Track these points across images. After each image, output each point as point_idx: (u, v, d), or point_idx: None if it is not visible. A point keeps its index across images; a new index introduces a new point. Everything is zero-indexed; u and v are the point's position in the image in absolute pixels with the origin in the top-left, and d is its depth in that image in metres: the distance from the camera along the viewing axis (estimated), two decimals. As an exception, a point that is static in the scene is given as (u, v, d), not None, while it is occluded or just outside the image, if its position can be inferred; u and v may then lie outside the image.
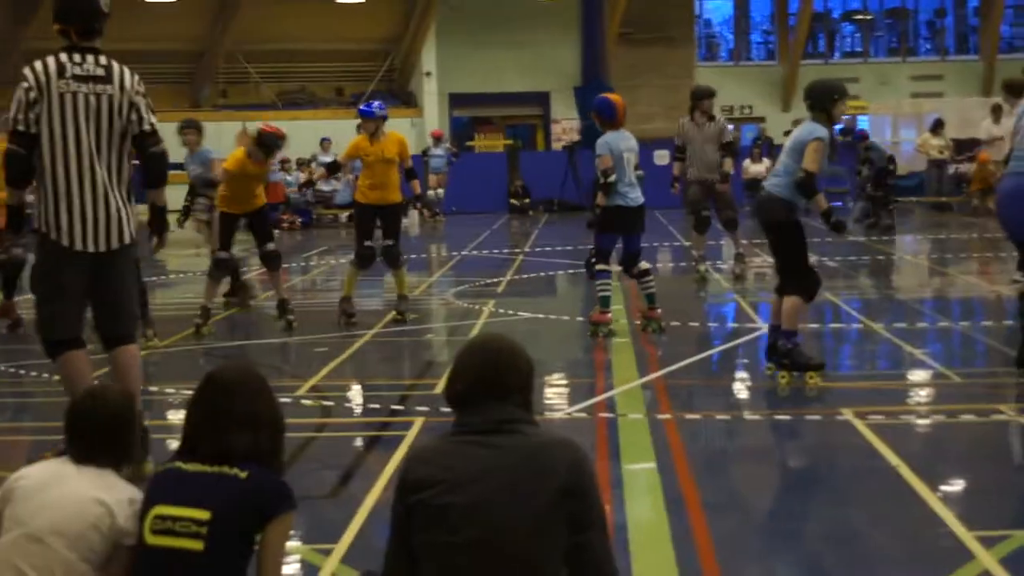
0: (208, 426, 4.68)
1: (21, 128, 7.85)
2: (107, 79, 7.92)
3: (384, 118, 14.64)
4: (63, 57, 7.89)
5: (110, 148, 7.96)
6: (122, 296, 8.24)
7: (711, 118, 17.59)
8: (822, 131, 10.54)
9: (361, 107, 14.99)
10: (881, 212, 27.08)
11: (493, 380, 4.36)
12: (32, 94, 7.82)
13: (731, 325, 14.31)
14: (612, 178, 12.95)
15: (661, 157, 35.97)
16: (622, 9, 39.50)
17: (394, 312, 15.00)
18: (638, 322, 13.76)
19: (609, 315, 13.46)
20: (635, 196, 13.21)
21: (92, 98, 7.87)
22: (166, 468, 4.70)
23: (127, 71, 8.03)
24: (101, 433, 4.93)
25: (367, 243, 14.66)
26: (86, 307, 8.13)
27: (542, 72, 40.62)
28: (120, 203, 8.03)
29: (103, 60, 7.96)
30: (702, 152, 17.31)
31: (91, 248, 7.94)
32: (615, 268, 13.93)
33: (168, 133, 17.01)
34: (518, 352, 4.47)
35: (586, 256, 14.01)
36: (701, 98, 17.54)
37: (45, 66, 7.84)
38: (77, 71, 7.86)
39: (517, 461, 4.20)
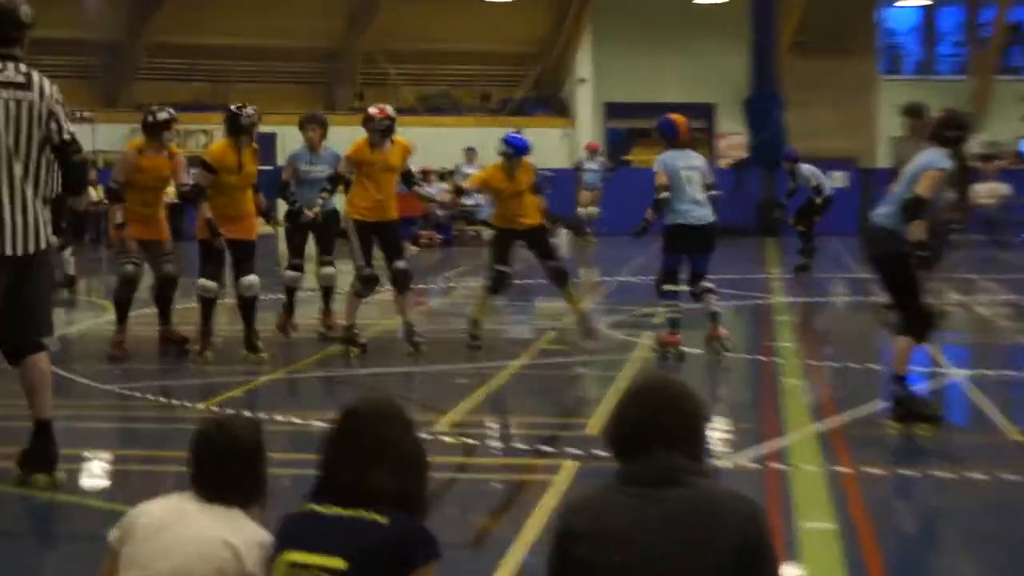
0: (345, 465, 4.63)
1: None
2: (27, 86, 8.33)
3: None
4: None
5: (28, 154, 8.32)
6: (38, 302, 8.61)
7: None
8: (944, 162, 10.52)
9: (512, 139, 15.10)
10: None
11: (656, 427, 4.26)
12: None
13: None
14: (664, 195, 13.83)
15: (837, 179, 35.77)
16: (797, 16, 39.28)
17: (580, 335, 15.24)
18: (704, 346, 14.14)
19: (679, 337, 14.07)
20: (699, 215, 13.90)
21: (12, 104, 8.26)
22: (299, 510, 4.65)
23: (46, 80, 8.44)
24: (229, 466, 4.89)
25: (502, 268, 14.84)
26: None
27: (707, 82, 40.50)
28: (39, 209, 8.40)
29: (23, 68, 8.36)
30: None
31: (9, 252, 8.28)
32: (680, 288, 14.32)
33: (294, 135, 17.01)
34: (686, 395, 4.38)
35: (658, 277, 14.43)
36: (907, 115, 17.29)
37: None
38: None
39: (683, 517, 4.11)
